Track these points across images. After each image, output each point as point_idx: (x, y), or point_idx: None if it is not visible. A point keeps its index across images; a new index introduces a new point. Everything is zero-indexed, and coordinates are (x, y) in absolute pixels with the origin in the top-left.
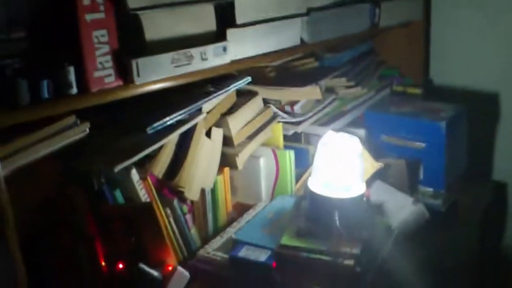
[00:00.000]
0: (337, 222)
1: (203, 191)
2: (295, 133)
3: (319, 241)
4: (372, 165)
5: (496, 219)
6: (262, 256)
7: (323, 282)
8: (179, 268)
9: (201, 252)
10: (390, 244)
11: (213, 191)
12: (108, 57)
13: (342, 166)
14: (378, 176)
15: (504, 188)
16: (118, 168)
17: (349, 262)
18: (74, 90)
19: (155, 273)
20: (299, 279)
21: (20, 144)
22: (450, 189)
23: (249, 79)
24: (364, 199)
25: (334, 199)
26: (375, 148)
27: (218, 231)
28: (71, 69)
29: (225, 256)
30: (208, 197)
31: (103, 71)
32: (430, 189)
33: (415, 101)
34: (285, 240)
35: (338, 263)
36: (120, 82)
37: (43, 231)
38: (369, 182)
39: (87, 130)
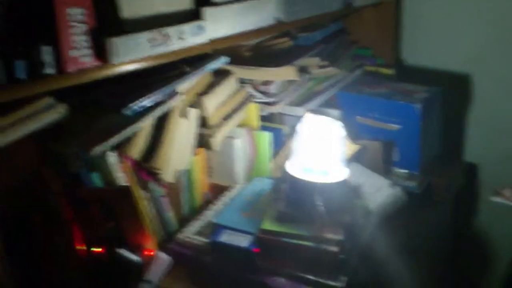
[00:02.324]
0: (321, 207)
1: (179, 172)
2: (270, 114)
3: (300, 226)
4: (349, 147)
5: (468, 199)
6: (243, 241)
7: (305, 267)
8: (160, 252)
9: (180, 236)
10: (370, 227)
11: (189, 172)
12: (85, 37)
13: (323, 150)
14: (354, 158)
15: (475, 169)
16: (95, 150)
17: (333, 248)
18: (50, 70)
19: (134, 257)
20: (281, 265)
21: None
22: (425, 171)
23: (226, 59)
24: (345, 183)
25: (317, 184)
26: (350, 129)
27: (193, 212)
28: (48, 49)
29: (205, 240)
30: (184, 179)
31: (79, 50)
32: (405, 171)
33: (388, 82)
34: (266, 225)
35: (322, 249)
36: (97, 62)
37: (17, 214)
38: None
39: (64, 111)
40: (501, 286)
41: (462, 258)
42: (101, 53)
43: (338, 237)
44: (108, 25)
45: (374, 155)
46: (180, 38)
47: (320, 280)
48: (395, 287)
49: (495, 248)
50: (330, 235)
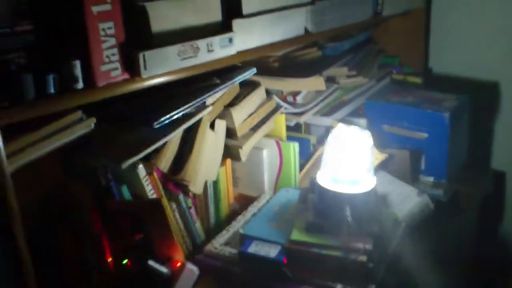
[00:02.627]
0: (349, 218)
1: (205, 183)
2: (296, 123)
3: (329, 236)
4: (376, 157)
5: (495, 208)
6: (272, 251)
7: (334, 278)
8: (188, 264)
9: (209, 247)
10: (398, 236)
11: (215, 183)
12: (115, 50)
13: (353, 160)
14: (381, 167)
15: (503, 177)
16: (126, 164)
17: (362, 258)
18: (80, 84)
19: (164, 269)
20: (310, 275)
21: (26, 141)
22: (452, 179)
23: (254, 70)
24: (374, 192)
25: (345, 194)
26: (376, 138)
27: (220, 223)
28: (77, 63)
29: (234, 251)
30: (210, 189)
31: (109, 64)
32: (431, 179)
33: (415, 90)
34: (295, 236)
35: (351, 259)
36: (127, 76)
37: (46, 228)
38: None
39: (93, 125)
40: None
41: (487, 266)
42: (131, 67)
43: (367, 246)
44: (138, 38)
45: (402, 163)
46: (210, 51)
47: None
48: None
49: None
50: (358, 245)
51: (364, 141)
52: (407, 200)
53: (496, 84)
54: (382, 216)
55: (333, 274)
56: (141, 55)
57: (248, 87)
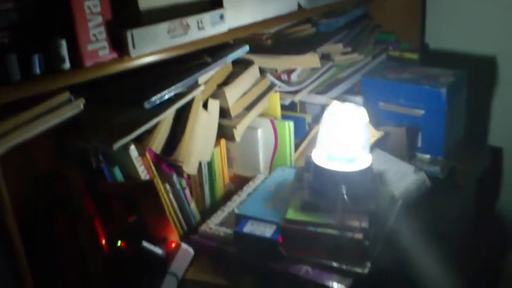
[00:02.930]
0: (345, 196)
1: (199, 164)
2: (291, 102)
3: (325, 214)
4: (372, 134)
5: (493, 183)
6: (267, 231)
7: (330, 256)
8: (183, 244)
9: (204, 227)
10: (395, 213)
11: (210, 163)
12: (102, 29)
13: (348, 138)
14: (378, 144)
15: (500, 153)
16: (117, 145)
17: (358, 235)
18: (67, 65)
19: (158, 250)
20: (306, 254)
21: (13, 123)
22: (448, 156)
23: (247, 48)
24: (370, 170)
25: (341, 172)
26: (372, 116)
27: (215, 203)
28: (63, 43)
29: (229, 231)
30: (205, 170)
31: (96, 43)
32: (428, 156)
33: (412, 66)
34: (291, 214)
35: (347, 237)
36: (115, 55)
37: (38, 211)
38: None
39: (82, 106)
40: None
41: (486, 243)
42: (119, 46)
43: (363, 224)
44: (126, 16)
45: (398, 141)
46: (200, 28)
47: (345, 267)
48: (419, 272)
49: None
50: (354, 223)
51: (360, 118)
52: (403, 178)
53: (493, 59)
54: (378, 194)
55: (329, 253)
56: (129, 34)
57: (241, 65)
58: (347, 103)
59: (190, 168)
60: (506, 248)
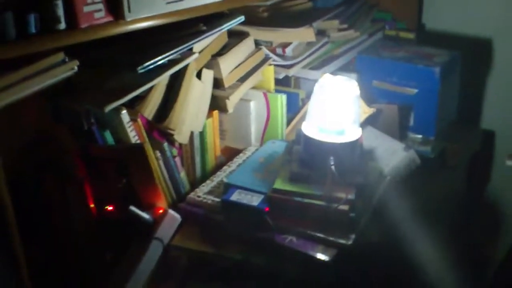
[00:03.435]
0: (333, 167)
1: (191, 134)
2: (285, 77)
3: (312, 185)
4: (364, 110)
5: (484, 165)
6: (254, 200)
7: (316, 227)
8: (170, 211)
9: (192, 195)
10: (382, 189)
11: (202, 134)
12: None
13: (338, 110)
14: (369, 121)
15: (492, 137)
16: (108, 108)
17: (344, 207)
18: (63, 25)
19: (146, 215)
20: (292, 224)
21: (6, 82)
22: (440, 136)
23: (242, 18)
24: (359, 144)
25: (330, 143)
26: (366, 94)
27: (206, 175)
28: (59, 2)
29: (217, 199)
30: (197, 141)
31: (92, 5)
32: (420, 136)
33: (408, 45)
34: (278, 184)
35: (333, 208)
36: (110, 18)
37: (29, 173)
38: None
39: (76, 68)
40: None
41: (474, 222)
42: (115, 9)
43: (349, 196)
44: None
45: (390, 119)
46: None
47: (330, 238)
48: (404, 249)
49: (508, 213)
50: (341, 194)
51: (350, 90)
52: (393, 155)
53: (489, 41)
54: (366, 168)
55: (315, 223)
56: None
57: (236, 37)
58: (338, 76)
59: (181, 137)
60: (494, 230)
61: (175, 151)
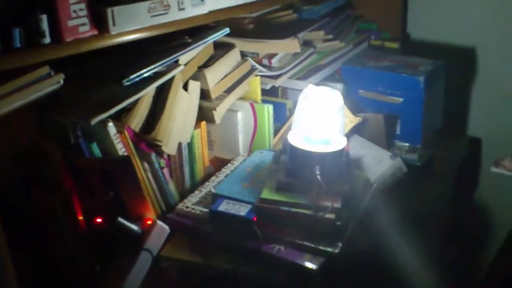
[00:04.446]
0: (318, 176)
1: (180, 145)
2: (272, 88)
3: (299, 195)
4: (350, 120)
5: (470, 172)
6: (242, 210)
7: (303, 236)
8: (159, 222)
9: (180, 206)
10: (369, 197)
11: (190, 145)
12: (82, 5)
13: (323, 120)
14: (356, 130)
15: (479, 144)
16: (94, 120)
17: (330, 216)
18: (47, 39)
19: (134, 227)
20: (280, 233)
21: None
22: (426, 144)
23: (227, 30)
24: (344, 153)
25: (315, 153)
26: (352, 103)
27: (195, 185)
28: (44, 17)
29: (205, 210)
30: (185, 152)
31: (77, 19)
32: (406, 144)
33: (392, 55)
34: (266, 194)
35: (319, 217)
36: (95, 32)
37: (17, 185)
38: (347, 137)
39: (62, 81)
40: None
41: (462, 229)
42: (99, 23)
43: (335, 205)
44: None
45: (376, 128)
46: (181, 9)
47: (317, 246)
48: (393, 257)
49: (495, 220)
50: (327, 203)
51: (335, 100)
52: (380, 163)
53: (472, 51)
54: (352, 177)
55: (303, 232)
56: (109, 11)
57: (222, 49)
58: (322, 86)
59: (169, 148)
60: (483, 238)
61: (163, 162)
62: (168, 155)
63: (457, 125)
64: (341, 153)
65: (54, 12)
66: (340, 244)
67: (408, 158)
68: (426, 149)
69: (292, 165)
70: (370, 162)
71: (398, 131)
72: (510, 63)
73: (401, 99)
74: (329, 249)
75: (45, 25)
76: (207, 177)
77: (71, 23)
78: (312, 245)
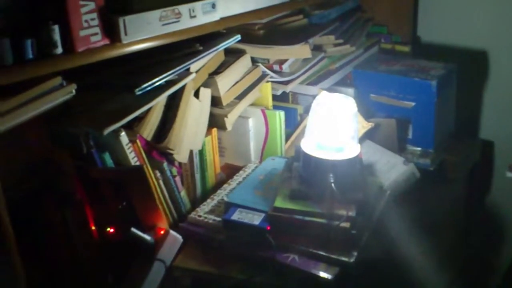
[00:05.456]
0: (333, 185)
1: (191, 152)
2: (283, 93)
3: (313, 203)
4: (362, 125)
5: (483, 176)
6: (256, 219)
7: (317, 244)
8: (172, 231)
9: (193, 215)
10: (382, 204)
11: (201, 152)
12: (94, 15)
13: (336, 127)
14: (368, 135)
15: (491, 147)
16: (107, 131)
17: (345, 224)
18: (59, 49)
19: (147, 237)
20: (294, 242)
21: (6, 107)
22: (439, 148)
23: (238, 37)
24: (358, 160)
25: (329, 160)
26: (364, 108)
27: (206, 193)
28: (56, 28)
29: (218, 219)
30: (196, 159)
31: (89, 29)
32: (419, 149)
33: (404, 59)
34: (279, 203)
35: (334, 225)
36: (107, 41)
37: (29, 197)
38: (359, 142)
39: (74, 91)
40: None
41: (475, 234)
42: (111, 32)
43: (350, 213)
44: (118, 3)
45: (389, 133)
46: (192, 16)
47: (332, 256)
48: (407, 263)
49: (508, 224)
50: (341, 212)
51: (348, 107)
52: (393, 169)
53: (484, 53)
54: (366, 184)
55: (316, 241)
56: (121, 20)
57: (233, 55)
58: (336, 93)
59: (181, 156)
60: (496, 242)
61: (175, 171)
62: (180, 163)
63: (469, 129)
64: (355, 160)
65: (66, 23)
66: (355, 253)
67: (420, 162)
68: (438, 153)
69: (306, 173)
70: (383, 168)
71: (410, 136)
72: None
73: (413, 103)
74: (344, 259)
75: (57, 36)
76: (218, 184)
77: (83, 33)
78: (327, 255)
